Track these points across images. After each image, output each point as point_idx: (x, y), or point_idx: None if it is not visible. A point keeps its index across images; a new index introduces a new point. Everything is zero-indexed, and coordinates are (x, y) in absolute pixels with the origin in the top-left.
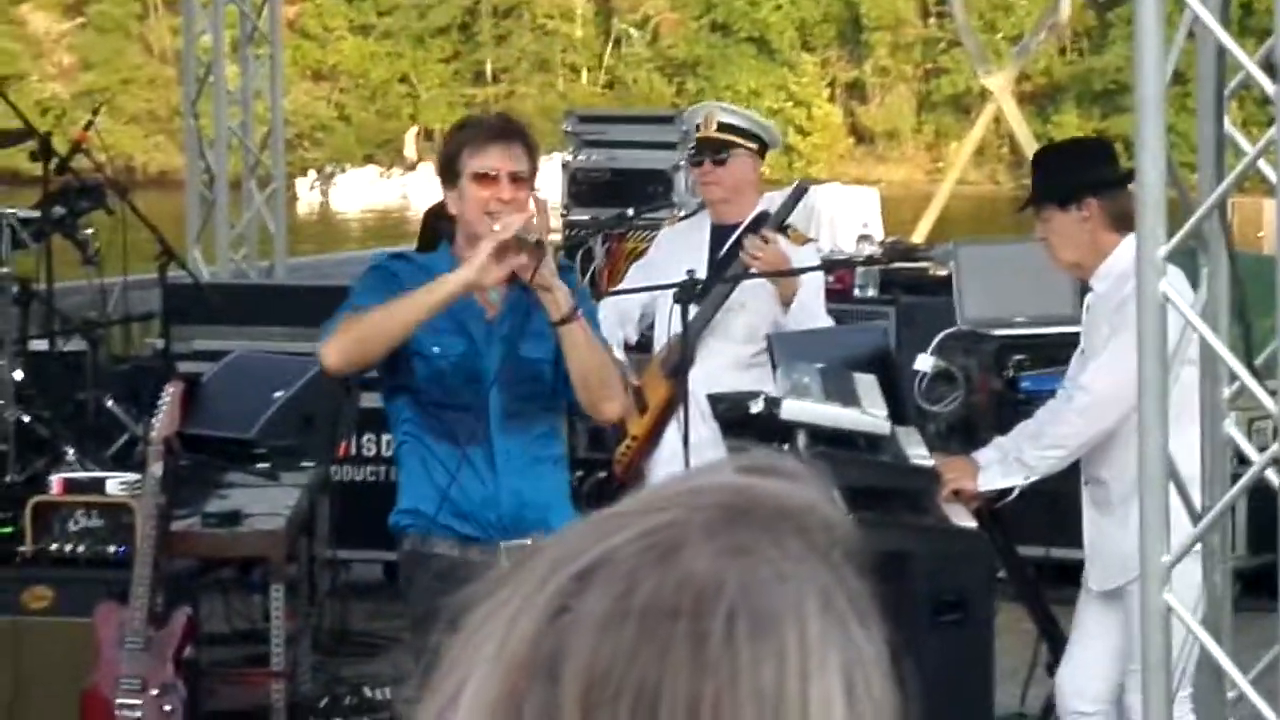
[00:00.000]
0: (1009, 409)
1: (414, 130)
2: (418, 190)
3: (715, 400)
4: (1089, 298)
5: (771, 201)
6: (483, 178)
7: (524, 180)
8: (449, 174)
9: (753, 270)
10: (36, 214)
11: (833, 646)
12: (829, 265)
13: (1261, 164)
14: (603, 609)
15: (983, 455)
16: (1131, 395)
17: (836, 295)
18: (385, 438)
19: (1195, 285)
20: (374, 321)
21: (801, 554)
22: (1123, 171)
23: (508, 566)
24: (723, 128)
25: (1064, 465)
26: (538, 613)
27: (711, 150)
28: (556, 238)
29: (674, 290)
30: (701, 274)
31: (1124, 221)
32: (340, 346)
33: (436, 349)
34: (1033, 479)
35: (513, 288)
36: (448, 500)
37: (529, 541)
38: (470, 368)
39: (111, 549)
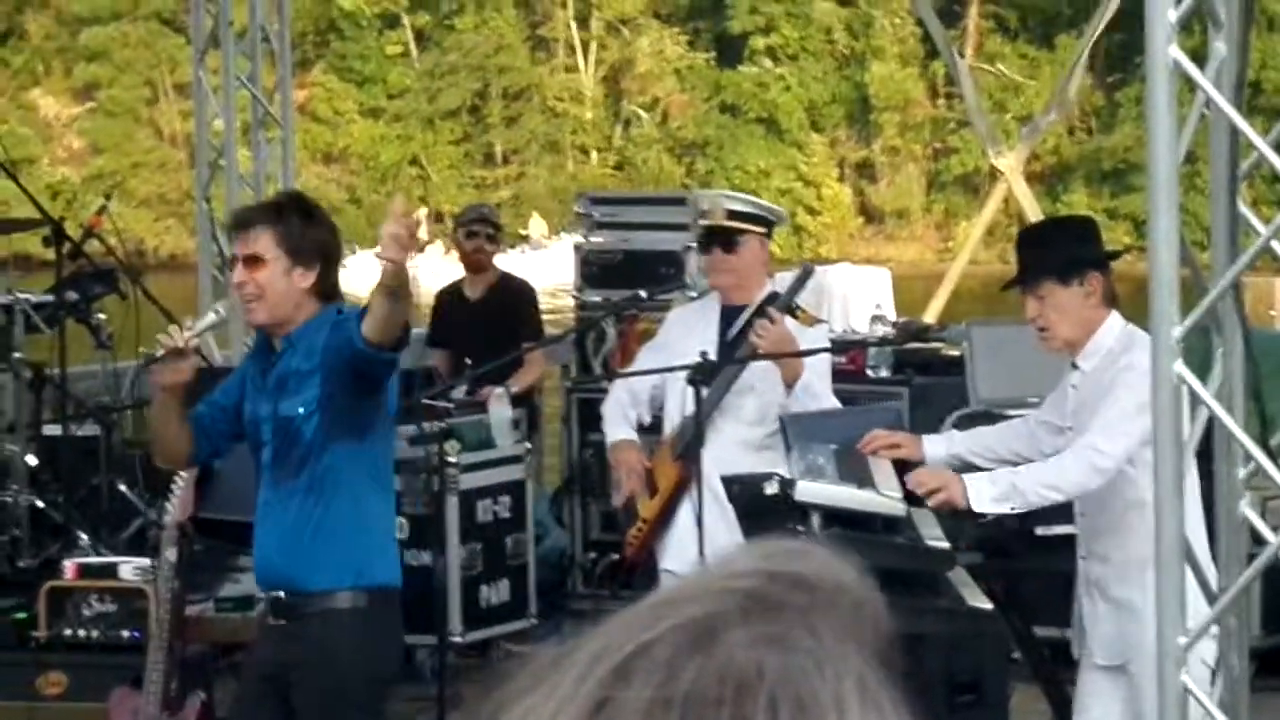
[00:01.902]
0: None
1: (424, 212)
2: (428, 271)
3: (729, 482)
4: (1074, 377)
5: (780, 282)
6: (232, 263)
7: (257, 261)
8: None
9: (760, 351)
10: (50, 299)
11: None
12: (841, 346)
13: (1274, 243)
14: (645, 699)
15: (971, 480)
16: (1129, 453)
17: (849, 376)
18: (398, 520)
19: (1209, 364)
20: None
21: (835, 640)
22: (1110, 249)
23: (535, 667)
24: (732, 215)
25: (1048, 505)
26: (578, 708)
27: (722, 239)
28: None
29: (685, 372)
30: (712, 355)
31: (1113, 298)
32: (154, 451)
33: (246, 417)
34: (1016, 510)
35: (279, 347)
36: None
37: (281, 595)
38: (253, 432)
39: (126, 634)
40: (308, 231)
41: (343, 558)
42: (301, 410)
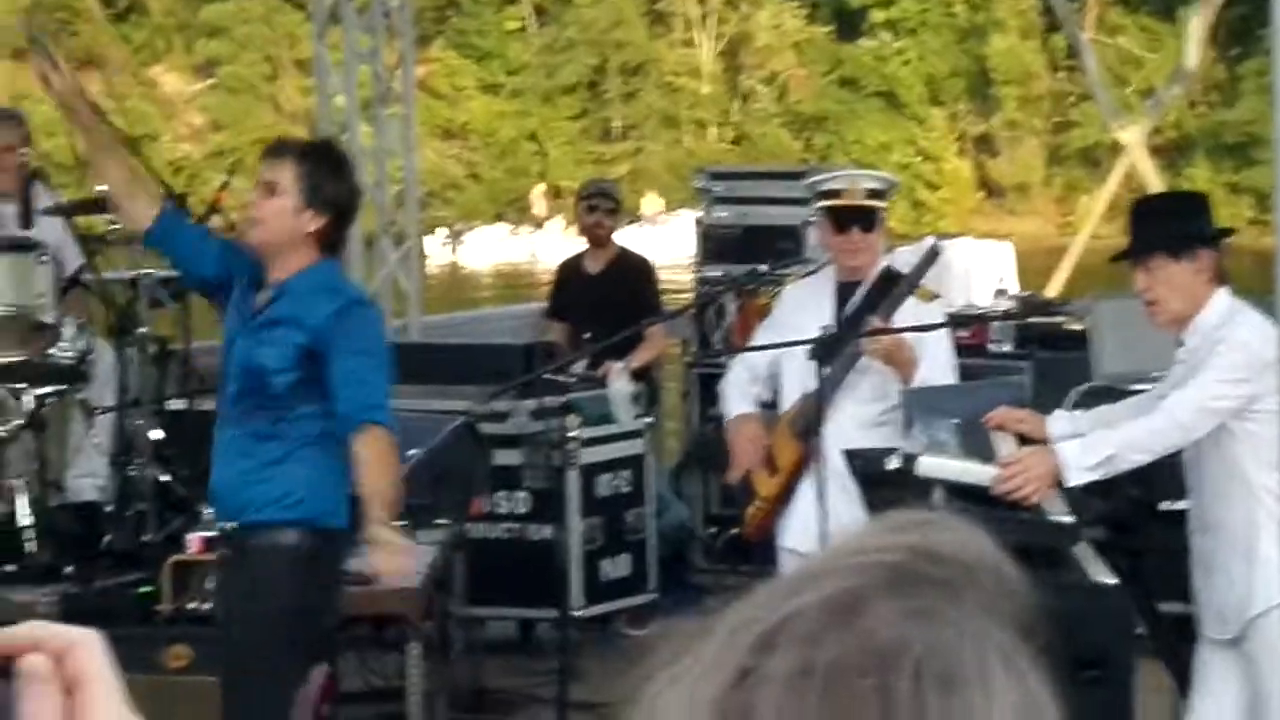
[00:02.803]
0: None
1: (542, 188)
2: (546, 247)
3: (851, 457)
4: (1181, 353)
5: (898, 256)
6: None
7: (273, 189)
8: None
9: (875, 359)
10: (174, 274)
11: (1016, 703)
12: (964, 320)
13: None
14: (788, 669)
15: (1063, 450)
16: (1215, 419)
17: (972, 350)
18: (520, 495)
19: None
20: None
21: (978, 613)
22: (1221, 227)
23: (678, 638)
24: (871, 194)
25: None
26: (722, 677)
27: (861, 219)
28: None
29: (803, 349)
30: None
31: (1222, 276)
32: None
33: (225, 335)
34: (1106, 477)
35: (276, 296)
36: None
37: (228, 525)
38: (228, 356)
39: None
40: (329, 180)
41: (294, 498)
42: (274, 365)
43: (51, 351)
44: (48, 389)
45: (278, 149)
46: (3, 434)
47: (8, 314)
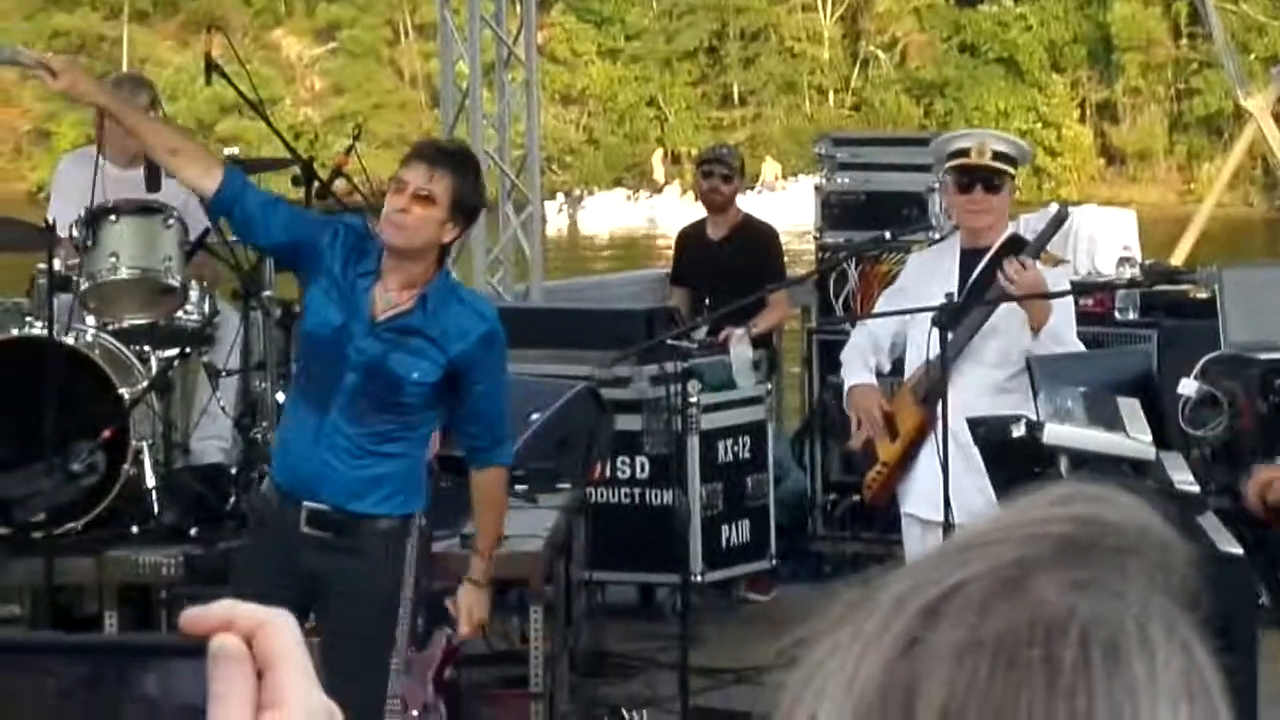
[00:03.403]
0: (1275, 433)
1: (661, 153)
2: (665, 213)
3: (975, 424)
4: None
5: (1024, 224)
6: (397, 184)
7: (428, 200)
8: None
9: (1011, 293)
10: None
11: (1179, 673)
12: (1090, 287)
13: None
14: (955, 640)
15: None
16: None
17: (1096, 318)
18: (640, 460)
19: None
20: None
21: (1145, 582)
22: None
23: (839, 606)
24: (997, 156)
25: None
26: (887, 646)
27: (985, 179)
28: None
29: (928, 315)
30: (956, 298)
31: None
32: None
33: (320, 314)
34: None
35: (416, 307)
36: (282, 451)
37: (325, 507)
38: (337, 344)
39: None
40: (474, 194)
41: (395, 490)
42: (416, 376)
43: (177, 314)
44: (173, 351)
45: (434, 158)
46: (129, 396)
47: (134, 277)
